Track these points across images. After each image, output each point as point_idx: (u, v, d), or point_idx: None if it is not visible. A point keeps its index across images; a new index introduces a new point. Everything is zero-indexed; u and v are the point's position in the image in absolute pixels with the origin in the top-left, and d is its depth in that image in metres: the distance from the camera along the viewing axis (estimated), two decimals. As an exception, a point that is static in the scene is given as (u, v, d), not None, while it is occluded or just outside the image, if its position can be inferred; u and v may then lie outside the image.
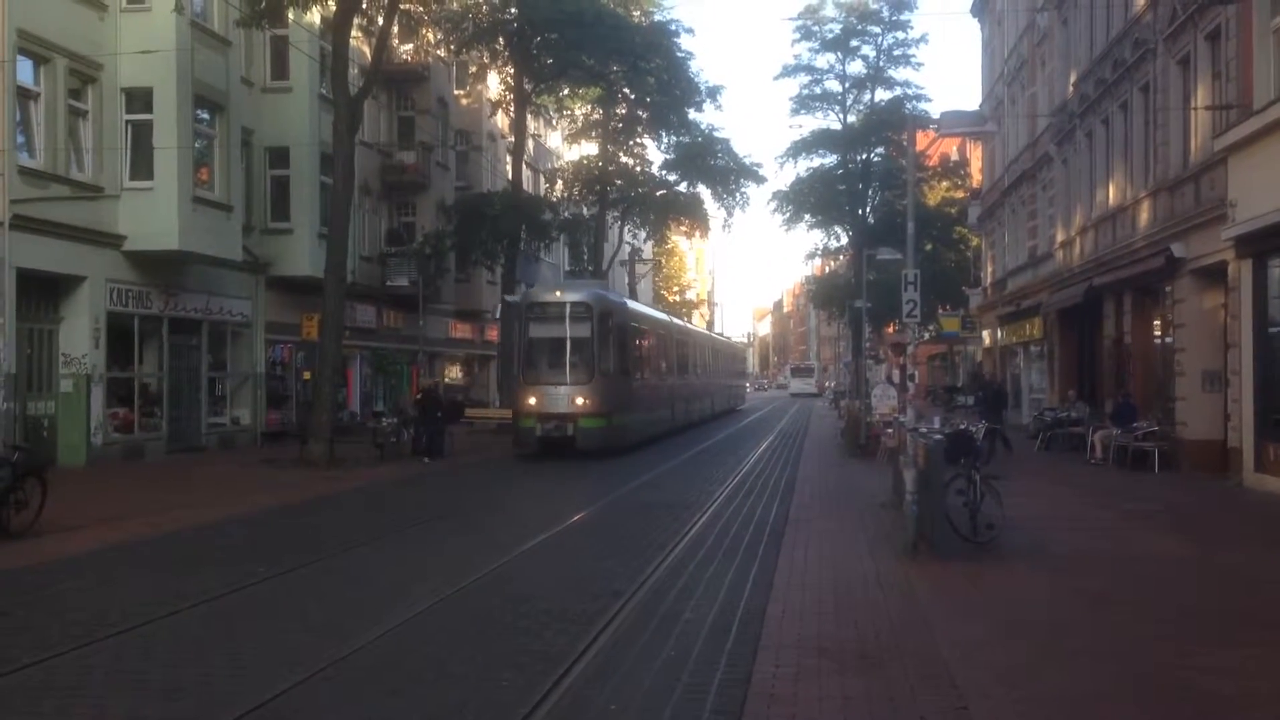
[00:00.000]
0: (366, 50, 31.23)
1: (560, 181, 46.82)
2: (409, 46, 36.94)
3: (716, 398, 48.32)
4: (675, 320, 42.49)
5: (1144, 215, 23.99)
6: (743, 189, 47.12)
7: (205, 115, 25.41)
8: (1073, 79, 30.22)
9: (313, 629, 8.64)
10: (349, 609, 9.40)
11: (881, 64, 51.03)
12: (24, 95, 21.08)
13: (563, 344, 26.04)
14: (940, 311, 51.53)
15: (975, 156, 50.94)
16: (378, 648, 7.97)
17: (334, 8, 25.99)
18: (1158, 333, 24.48)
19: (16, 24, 20.52)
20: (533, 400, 25.62)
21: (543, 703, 6.55)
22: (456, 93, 42.74)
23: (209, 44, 25.17)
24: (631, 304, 32.90)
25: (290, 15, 25.99)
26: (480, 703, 6.64)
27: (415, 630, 8.58)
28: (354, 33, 27.80)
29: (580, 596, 9.71)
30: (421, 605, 9.33)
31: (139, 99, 23.62)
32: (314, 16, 28.49)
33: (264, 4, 23.28)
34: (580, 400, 25.40)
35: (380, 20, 27.01)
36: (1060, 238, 32.04)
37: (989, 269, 45.36)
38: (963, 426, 14.67)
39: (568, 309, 26.19)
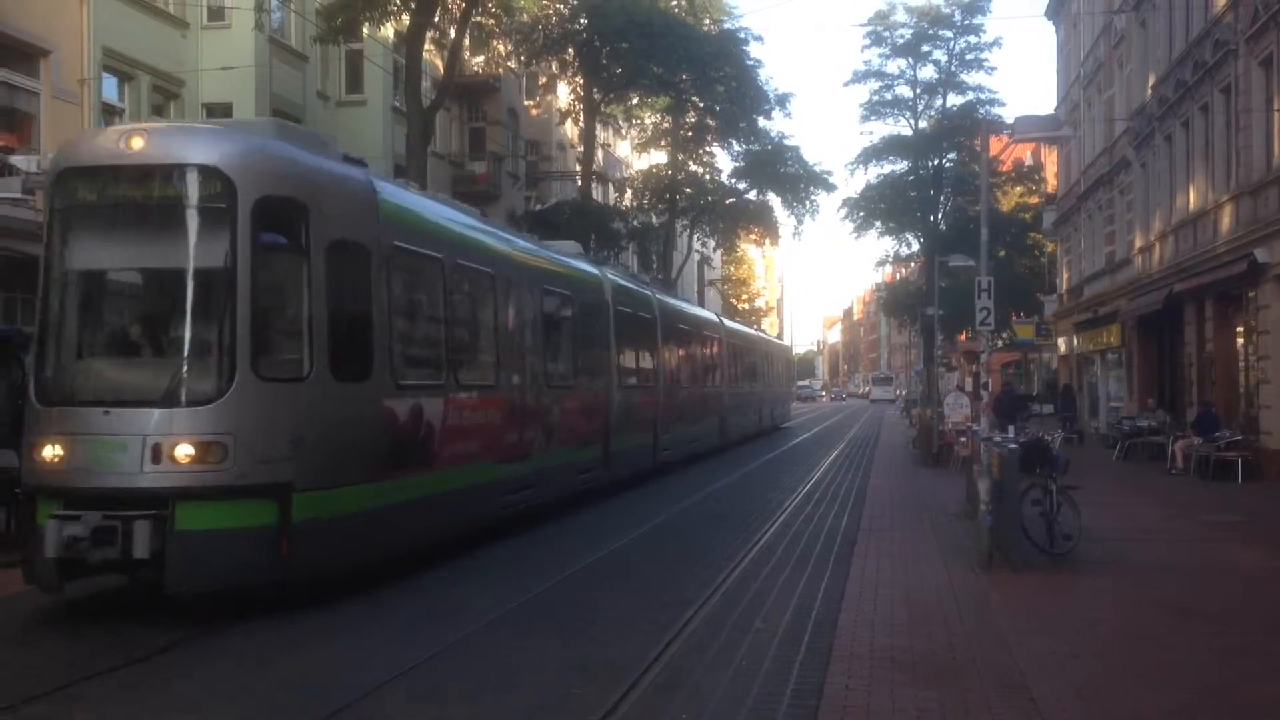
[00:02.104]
0: (439, 63, 31.62)
1: (630, 190, 46.95)
2: (480, 58, 37.32)
3: (739, 415, 33.98)
4: (619, 279, 21.98)
5: (1225, 220, 23.45)
6: (813, 196, 46.86)
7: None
8: (1151, 81, 29.64)
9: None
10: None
11: (953, 69, 50.49)
12: (108, 111, 21.68)
13: (160, 290, 10.26)
14: (1014, 319, 50.78)
15: (1050, 161, 50.15)
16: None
17: (407, 22, 26.39)
18: (1240, 340, 23.90)
19: (102, 42, 21.12)
20: (51, 452, 9.35)
21: (614, 712, 6.59)
22: (526, 103, 43.09)
23: (286, 59, 25.70)
24: (414, 196, 13.11)
25: (365, 30, 26.44)
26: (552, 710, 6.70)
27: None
28: (427, 46, 28.16)
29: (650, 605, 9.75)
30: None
31: (219, 114, 24.14)
32: (388, 31, 28.94)
33: (340, 20, 23.72)
34: (182, 452, 9.13)
35: (452, 33, 27.37)
36: (1139, 243, 31.43)
37: (1064, 275, 44.60)
38: (1039, 435, 14.45)
39: (161, 185, 9.68)
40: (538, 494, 14.77)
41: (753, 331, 45.11)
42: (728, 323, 36.82)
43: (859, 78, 51.88)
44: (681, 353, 26.17)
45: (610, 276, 20.64)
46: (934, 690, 6.86)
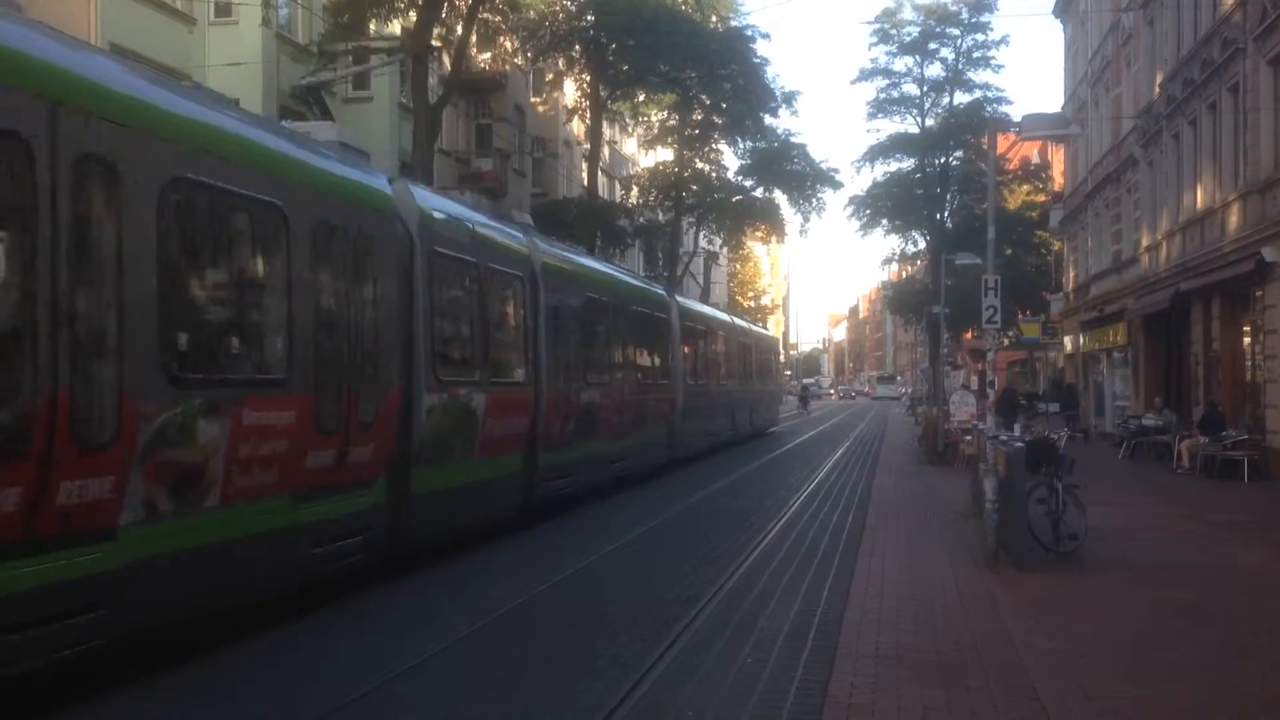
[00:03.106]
0: (446, 59, 31.63)
1: (636, 187, 46.93)
2: (487, 55, 37.32)
3: (713, 418, 28.83)
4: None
5: (1233, 218, 23.40)
6: (819, 194, 46.80)
7: (286, 124, 25.90)
8: (1159, 80, 29.58)
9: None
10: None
11: (961, 67, 50.26)
12: (117, 107, 21.69)
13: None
14: (1020, 317, 50.63)
15: (1057, 159, 50.05)
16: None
17: (414, 18, 26.39)
18: (1247, 339, 23.85)
19: (109, 38, 21.13)
20: None
21: (620, 707, 6.60)
22: (533, 100, 43.08)
23: (293, 55, 25.71)
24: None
25: (372, 26, 26.44)
26: (559, 707, 6.71)
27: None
28: (434, 42, 28.16)
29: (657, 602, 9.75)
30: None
31: (226, 110, 24.16)
32: (395, 27, 28.94)
33: (347, 16, 23.74)
34: None
35: (459, 30, 27.36)
36: (1146, 242, 31.37)
37: (1071, 274, 44.52)
38: (1045, 434, 14.45)
39: None
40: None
41: (725, 317, 34.89)
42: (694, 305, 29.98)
43: (866, 75, 51.62)
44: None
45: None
46: (939, 689, 6.86)
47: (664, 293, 24.55)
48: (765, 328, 60.92)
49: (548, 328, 15.04)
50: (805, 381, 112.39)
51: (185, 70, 23.29)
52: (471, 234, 12.79)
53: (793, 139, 47.00)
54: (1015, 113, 49.27)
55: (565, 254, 17.33)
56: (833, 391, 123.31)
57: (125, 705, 6.73)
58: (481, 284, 12.99)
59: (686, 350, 25.46)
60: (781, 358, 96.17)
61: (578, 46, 37.61)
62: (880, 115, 52.46)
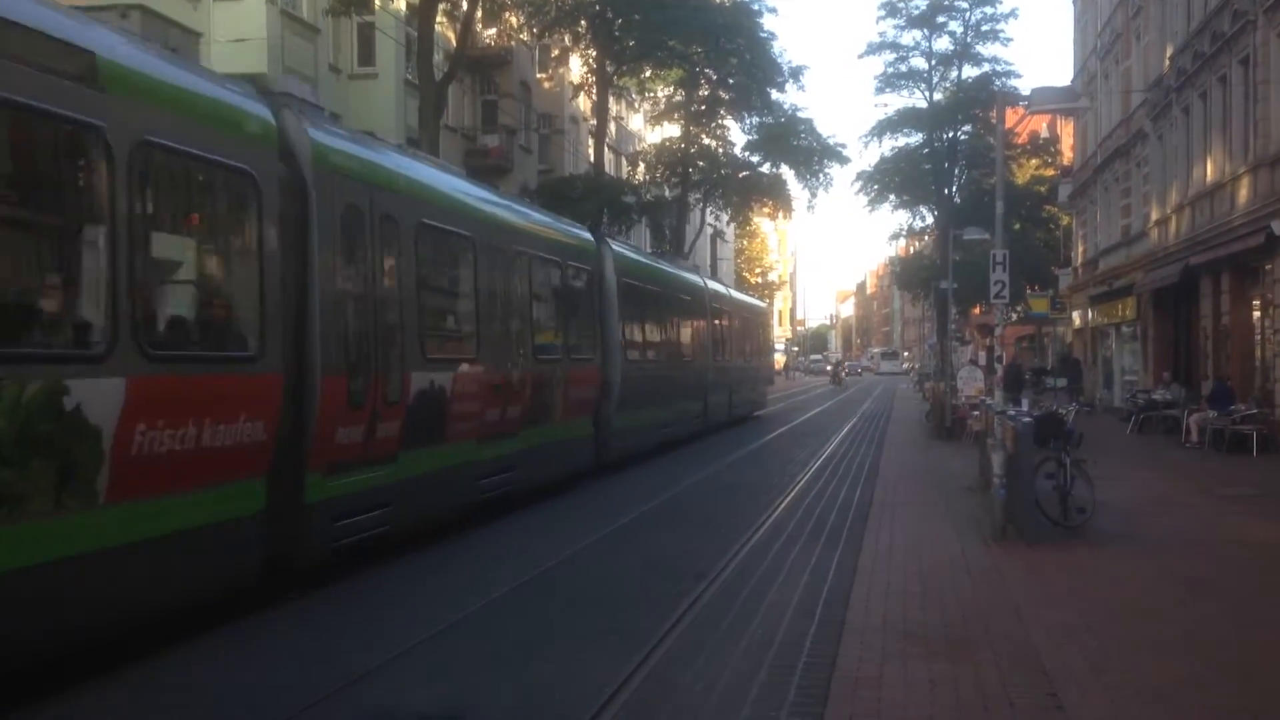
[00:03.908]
0: (451, 35, 31.50)
1: (642, 164, 46.76)
2: (492, 31, 37.15)
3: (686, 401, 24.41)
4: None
5: (1243, 192, 23.26)
6: (826, 169, 46.59)
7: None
8: (1169, 53, 29.36)
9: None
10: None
11: (969, 40, 50.09)
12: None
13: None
14: (1029, 292, 50.49)
15: (1066, 133, 49.77)
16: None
17: (419, -6, 26.30)
18: (1256, 313, 23.75)
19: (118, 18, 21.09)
20: None
21: (628, 682, 6.62)
22: (539, 76, 42.91)
23: (299, 32, 25.61)
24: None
25: (377, 2, 26.34)
26: (568, 682, 6.74)
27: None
28: (439, 18, 28.04)
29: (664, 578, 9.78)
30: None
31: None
32: (400, 3, 28.83)
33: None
34: None
35: (464, 5, 27.24)
36: (1155, 216, 31.22)
37: (1080, 248, 44.35)
38: (1053, 408, 14.41)
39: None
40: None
41: (691, 277, 27.83)
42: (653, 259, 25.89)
43: (873, 49, 51.52)
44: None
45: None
46: (947, 662, 6.87)
47: (589, 237, 18.20)
48: (767, 301, 59.74)
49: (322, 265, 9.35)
50: (812, 358, 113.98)
51: (190, 48, 23.24)
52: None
53: (800, 114, 46.74)
54: (1024, 86, 49.20)
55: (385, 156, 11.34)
56: (843, 369, 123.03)
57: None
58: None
59: (627, 317, 19.49)
60: (777, 329, 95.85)
61: (583, 22, 37.41)
62: (888, 90, 52.41)
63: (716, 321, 28.17)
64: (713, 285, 29.61)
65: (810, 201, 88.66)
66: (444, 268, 12.52)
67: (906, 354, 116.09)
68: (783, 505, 14.49)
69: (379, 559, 10.28)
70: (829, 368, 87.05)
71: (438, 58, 29.27)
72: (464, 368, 12.07)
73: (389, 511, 10.28)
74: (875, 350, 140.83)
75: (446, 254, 12.46)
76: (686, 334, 25.09)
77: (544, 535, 12.40)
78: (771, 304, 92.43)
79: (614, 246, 19.08)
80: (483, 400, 12.46)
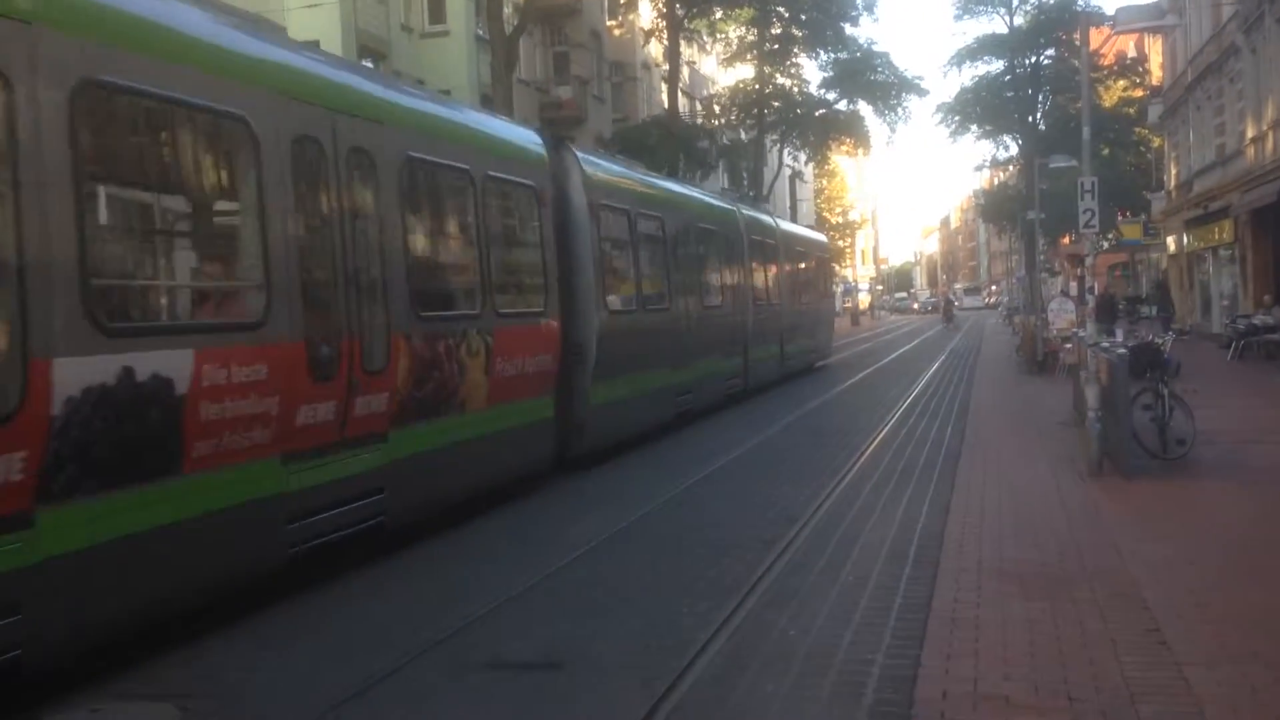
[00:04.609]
0: (520, -12, 31.40)
1: (717, 107, 46.34)
2: (561, -20, 36.95)
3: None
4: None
5: (1346, 104, 22.31)
6: (904, 103, 45.81)
7: (369, 64, 26.08)
8: (1262, -39, 28.15)
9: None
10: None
11: (1050, -40, 48.49)
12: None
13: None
14: (1120, 219, 49.13)
15: (1155, 51, 48.08)
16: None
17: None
18: (1363, 230, 22.87)
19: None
20: None
21: (723, 628, 6.68)
22: (609, 24, 42.61)
23: (369, -6, 25.77)
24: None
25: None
26: (665, 621, 6.82)
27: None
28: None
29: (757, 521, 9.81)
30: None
31: (306, 53, 24.39)
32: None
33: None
34: None
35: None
36: (1251, 133, 30.10)
37: (1172, 171, 42.99)
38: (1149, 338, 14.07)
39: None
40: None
41: (713, 200, 22.81)
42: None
43: (950, -25, 50.14)
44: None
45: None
46: (1044, 600, 6.80)
47: (536, 142, 12.91)
48: (848, 241, 57.03)
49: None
50: (897, 296, 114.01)
51: (266, 14, 23.51)
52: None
53: (875, 48, 45.95)
54: (1108, 5, 47.53)
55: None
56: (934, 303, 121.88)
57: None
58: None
59: (611, 253, 15.24)
60: (861, 268, 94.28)
61: (652, -35, 37.02)
62: (966, 16, 51.09)
63: (759, 258, 23.54)
64: (751, 213, 24.57)
65: (890, 137, 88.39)
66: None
67: (994, 288, 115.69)
68: (875, 442, 14.40)
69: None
70: (916, 305, 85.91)
71: (507, 11, 29.22)
72: (221, 339, 7.21)
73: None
74: (958, 286, 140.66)
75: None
76: (713, 274, 20.24)
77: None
78: (853, 243, 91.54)
79: (583, 157, 14.15)
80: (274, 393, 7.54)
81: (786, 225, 30.11)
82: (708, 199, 22.07)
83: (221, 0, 8.12)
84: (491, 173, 11.10)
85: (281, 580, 7.69)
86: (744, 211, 23.53)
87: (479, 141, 11.39)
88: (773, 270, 24.98)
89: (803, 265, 29.38)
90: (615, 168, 16.70)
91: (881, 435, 15.58)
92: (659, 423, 16.06)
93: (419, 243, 10.14)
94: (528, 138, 12.82)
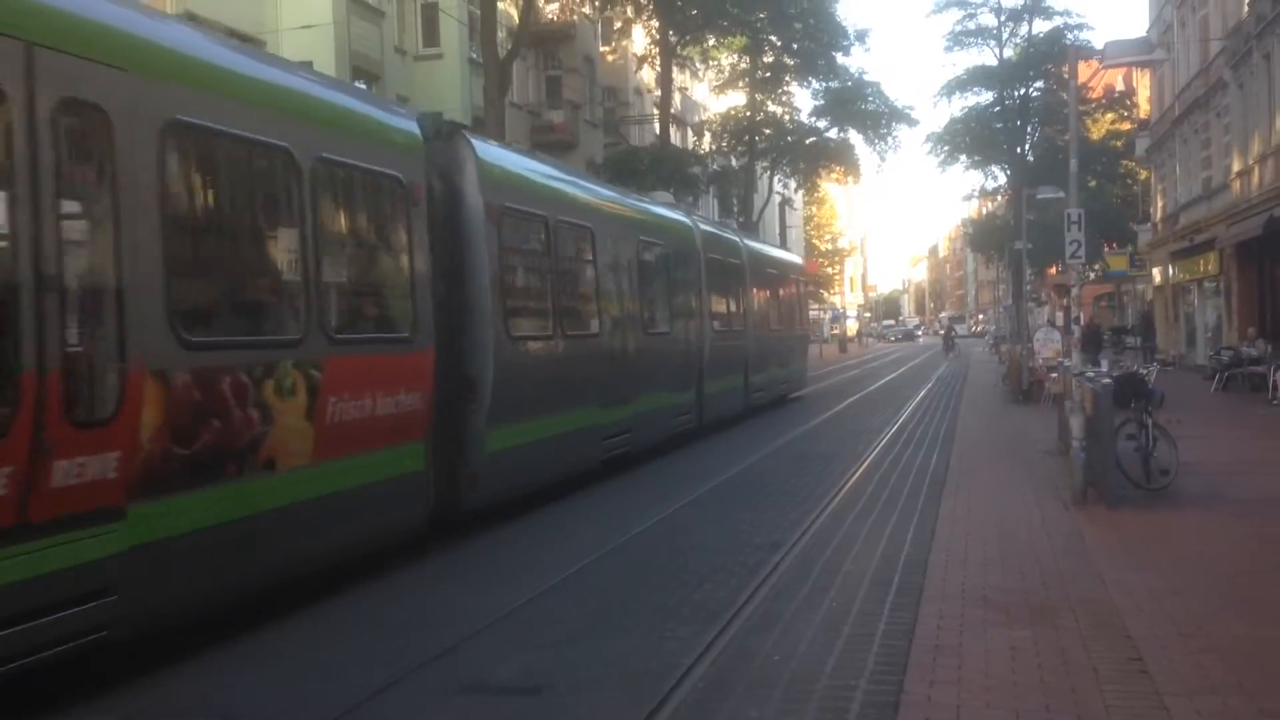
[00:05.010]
0: (514, 12, 31.56)
1: (708, 133, 46.60)
2: (555, 5, 37.17)
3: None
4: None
5: (1330, 140, 22.54)
6: (894, 132, 46.16)
7: (363, 86, 26.15)
8: (1248, -2, 28.48)
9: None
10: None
11: (1039, -7, 48.94)
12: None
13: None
14: (1106, 250, 49.40)
15: (1142, 85, 48.52)
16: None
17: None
18: (1347, 264, 23.06)
19: (185, 6, 21.44)
20: None
21: (706, 653, 6.67)
22: (602, 49, 42.86)
23: (364, 15, 25.86)
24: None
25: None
26: (650, 645, 6.80)
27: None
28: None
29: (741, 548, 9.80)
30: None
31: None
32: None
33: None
34: None
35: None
36: (1237, 167, 30.36)
37: (1159, 203, 43.31)
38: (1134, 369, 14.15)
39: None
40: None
41: (656, 209, 19.21)
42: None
43: (941, 7, 50.48)
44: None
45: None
46: (1028, 629, 6.81)
47: (406, 122, 10.28)
48: (836, 268, 57.41)
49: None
50: (885, 324, 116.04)
51: (259, 36, 23.60)
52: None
53: (866, 78, 46.25)
54: (1097, 39, 47.88)
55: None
56: (920, 332, 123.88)
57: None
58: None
59: (514, 267, 12.44)
60: (849, 295, 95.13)
61: (645, -8, 37.26)
62: (957, 48, 51.38)
63: (720, 279, 21.17)
64: (711, 229, 22.06)
65: (879, 165, 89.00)
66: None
67: (981, 316, 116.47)
68: (861, 469, 14.41)
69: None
70: (902, 333, 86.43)
71: (501, 35, 29.37)
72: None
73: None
74: (943, 315, 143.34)
75: None
76: (659, 296, 17.35)
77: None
78: (842, 270, 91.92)
79: (482, 147, 11.54)
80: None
81: (755, 244, 27.34)
82: (655, 209, 18.80)
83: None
84: (328, 155, 8.50)
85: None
86: (702, 226, 20.89)
87: (308, 113, 8.57)
88: (737, 293, 22.69)
89: (774, 289, 27.06)
90: (527, 162, 13.83)
91: (872, 456, 15.60)
92: (583, 469, 13.53)
93: (188, 241, 7.31)
94: (395, 117, 10.17)
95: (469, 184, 10.87)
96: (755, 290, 24.30)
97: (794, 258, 35.01)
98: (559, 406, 12.66)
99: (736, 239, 24.02)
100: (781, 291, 28.03)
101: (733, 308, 22.27)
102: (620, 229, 15.65)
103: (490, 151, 11.90)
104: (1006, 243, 49.78)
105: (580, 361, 13.52)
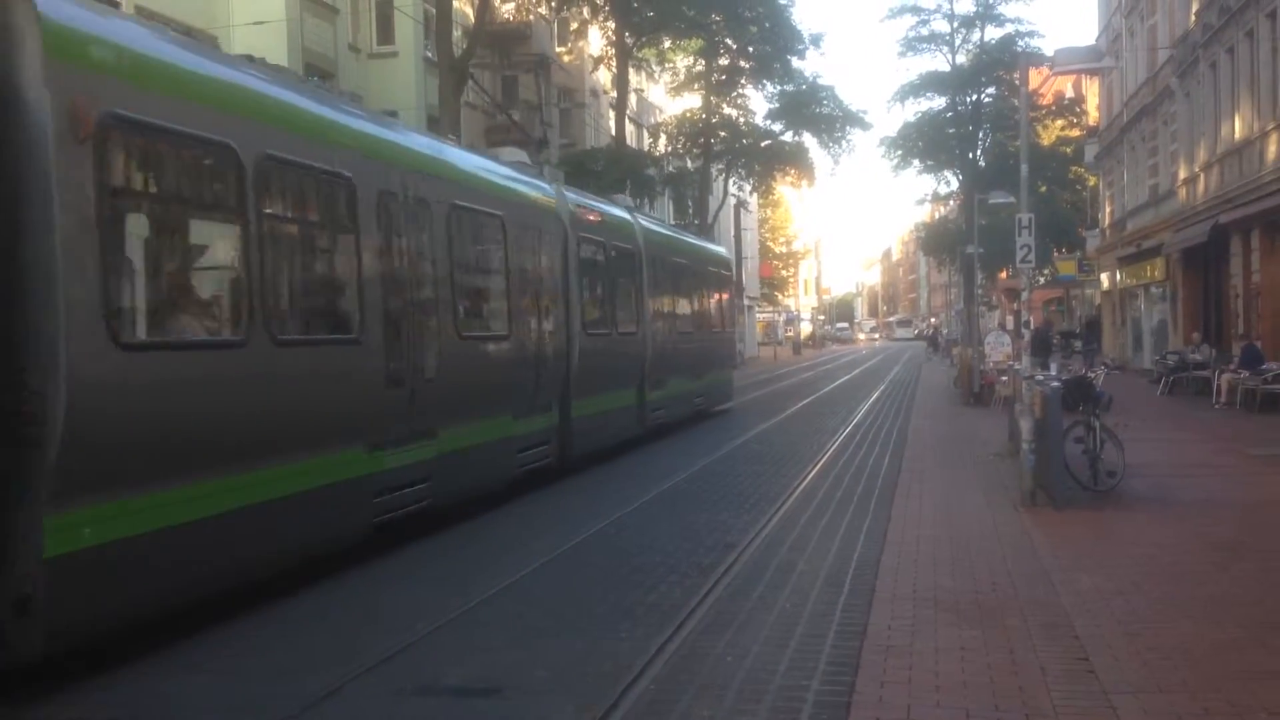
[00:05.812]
0: (470, 11, 31.43)
1: (664, 135, 46.65)
2: (510, 5, 37.04)
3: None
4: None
5: (1272, 148, 22.97)
6: (849, 136, 46.45)
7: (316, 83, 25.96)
8: (1195, 8, 28.96)
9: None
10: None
11: (991, 1, 49.49)
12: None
13: None
14: (1056, 255, 50.05)
15: (1092, 93, 49.23)
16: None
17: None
18: (1288, 271, 23.51)
19: (135, 1, 21.16)
20: None
21: (659, 654, 6.68)
22: (558, 50, 42.75)
23: (317, 12, 25.64)
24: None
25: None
26: (602, 646, 6.80)
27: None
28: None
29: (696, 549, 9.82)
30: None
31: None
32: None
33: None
34: None
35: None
36: (1183, 174, 30.88)
37: (1107, 209, 43.96)
38: (1082, 373, 14.35)
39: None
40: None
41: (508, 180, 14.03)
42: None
43: (895, 13, 50.80)
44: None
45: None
46: (977, 629, 6.89)
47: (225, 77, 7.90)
48: (791, 271, 57.58)
49: None
50: (838, 326, 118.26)
51: (211, 31, 23.31)
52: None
53: (821, 82, 46.57)
54: (1048, 47, 48.51)
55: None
56: (877, 335, 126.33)
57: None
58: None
59: (163, 224, 7.59)
60: (804, 298, 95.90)
61: (601, -7, 37.25)
62: (910, 53, 51.73)
63: (599, 268, 17.03)
64: (586, 201, 17.51)
65: (833, 168, 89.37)
66: None
67: (933, 320, 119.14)
68: (813, 471, 14.49)
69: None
70: (860, 336, 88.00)
71: (456, 34, 29.23)
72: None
73: None
74: (892, 319, 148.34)
75: None
76: (490, 288, 13.00)
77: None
78: (797, 272, 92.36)
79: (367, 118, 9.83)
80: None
81: (658, 227, 22.81)
82: (485, 165, 13.57)
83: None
84: None
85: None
86: (571, 197, 16.10)
87: None
88: (627, 287, 18.39)
89: (685, 282, 22.78)
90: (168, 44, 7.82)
91: (825, 459, 15.64)
92: (357, 539, 9.39)
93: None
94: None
95: (27, 73, 6.21)
96: (659, 285, 20.24)
97: (715, 247, 29.90)
98: (307, 453, 8.47)
99: (628, 218, 19.25)
100: (697, 286, 23.80)
101: (620, 306, 17.82)
102: (414, 185, 10.55)
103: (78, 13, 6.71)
104: (958, 247, 50.24)
105: (325, 381, 8.84)
